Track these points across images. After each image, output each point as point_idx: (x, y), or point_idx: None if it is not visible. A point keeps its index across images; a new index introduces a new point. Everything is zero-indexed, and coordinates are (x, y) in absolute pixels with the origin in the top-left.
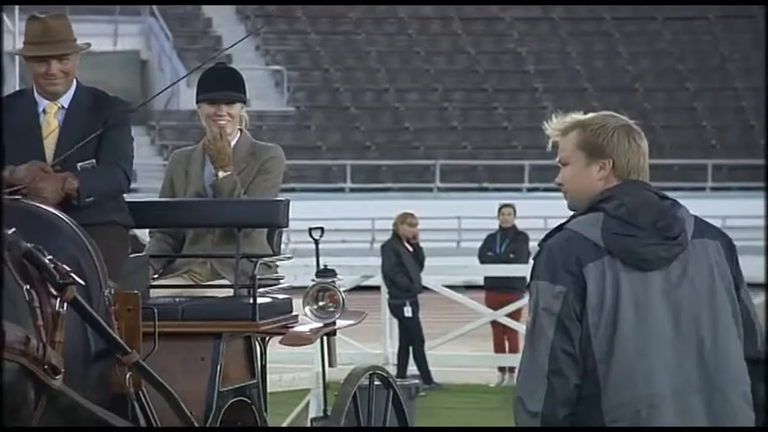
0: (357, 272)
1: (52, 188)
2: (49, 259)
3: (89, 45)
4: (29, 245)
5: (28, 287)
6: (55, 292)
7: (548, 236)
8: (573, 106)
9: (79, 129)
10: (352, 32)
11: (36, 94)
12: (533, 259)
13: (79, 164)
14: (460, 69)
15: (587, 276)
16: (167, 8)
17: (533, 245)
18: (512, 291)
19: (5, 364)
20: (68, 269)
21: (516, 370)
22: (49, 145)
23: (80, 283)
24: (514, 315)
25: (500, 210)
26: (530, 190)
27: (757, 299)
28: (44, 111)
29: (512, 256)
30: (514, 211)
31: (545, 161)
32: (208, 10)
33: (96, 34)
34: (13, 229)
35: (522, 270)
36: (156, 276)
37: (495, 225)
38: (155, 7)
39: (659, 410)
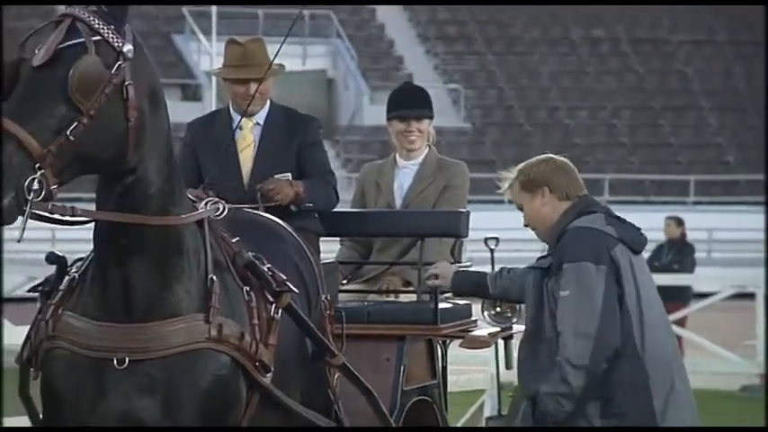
0: None
1: (286, 190)
2: (268, 268)
3: (284, 67)
4: (251, 254)
5: (247, 289)
6: (271, 299)
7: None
8: (736, 125)
9: (274, 143)
10: (527, 53)
11: (232, 112)
12: (564, 246)
13: (276, 176)
14: (629, 88)
15: (617, 260)
16: (353, 30)
17: (699, 255)
18: (677, 300)
19: (220, 357)
20: (284, 278)
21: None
22: (246, 159)
23: (294, 291)
24: (680, 322)
25: (666, 222)
26: (695, 203)
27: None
28: (240, 127)
29: (675, 266)
30: (681, 223)
31: (710, 176)
32: (390, 32)
33: (287, 55)
34: (237, 239)
35: (688, 280)
36: (344, 282)
37: (661, 236)
38: (341, 29)
39: (676, 388)
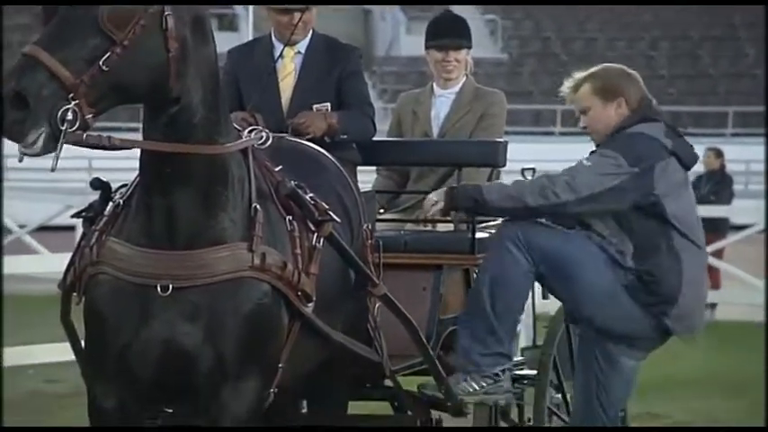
0: None
1: (318, 123)
2: (310, 197)
3: None
4: (293, 183)
5: (290, 218)
6: (313, 228)
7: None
8: None
9: (315, 72)
10: None
11: (274, 40)
12: (613, 140)
13: (315, 105)
14: (667, 19)
15: (656, 175)
16: None
17: (737, 188)
18: (714, 231)
19: (262, 286)
20: (327, 207)
21: (716, 307)
22: (286, 87)
23: (336, 221)
24: (717, 254)
25: (706, 153)
26: (733, 135)
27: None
28: (281, 55)
29: (712, 198)
30: (720, 155)
31: (748, 107)
32: None
33: None
34: (280, 167)
35: (725, 211)
36: (381, 211)
37: (700, 168)
38: None
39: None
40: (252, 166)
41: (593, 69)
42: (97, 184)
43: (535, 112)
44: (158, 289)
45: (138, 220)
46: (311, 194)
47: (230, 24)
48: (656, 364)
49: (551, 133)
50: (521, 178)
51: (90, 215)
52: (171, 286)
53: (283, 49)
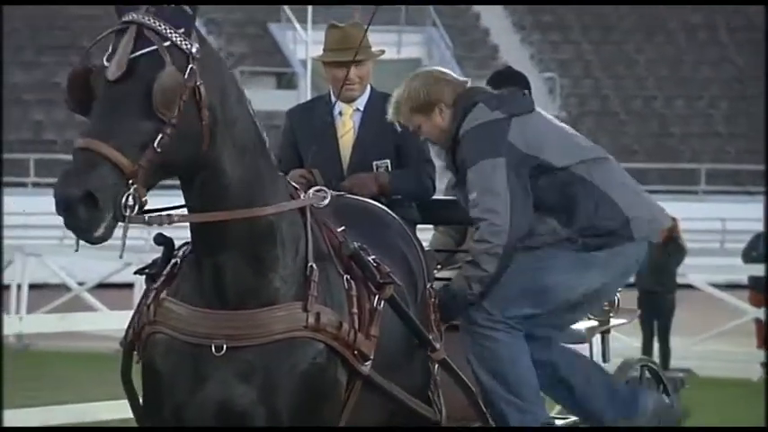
0: None
1: (368, 186)
2: (373, 259)
3: (383, 52)
4: (356, 245)
5: (348, 277)
6: (375, 290)
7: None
8: None
9: (374, 129)
10: (623, 42)
11: (332, 98)
12: (461, 154)
13: (375, 163)
14: (726, 77)
15: (516, 141)
16: (448, 18)
17: None
18: None
19: (317, 345)
20: (388, 269)
21: None
22: (345, 145)
23: (398, 284)
24: None
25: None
26: None
27: None
28: (340, 113)
29: None
30: None
31: None
32: (486, 21)
33: (382, 43)
34: (342, 228)
35: None
36: (438, 268)
37: (758, 227)
38: (436, 17)
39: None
40: (309, 226)
41: (404, 89)
42: (160, 239)
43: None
44: (213, 348)
45: (191, 278)
46: (374, 256)
47: (289, 83)
48: None
49: None
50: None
51: (152, 272)
52: (225, 346)
53: (334, 103)
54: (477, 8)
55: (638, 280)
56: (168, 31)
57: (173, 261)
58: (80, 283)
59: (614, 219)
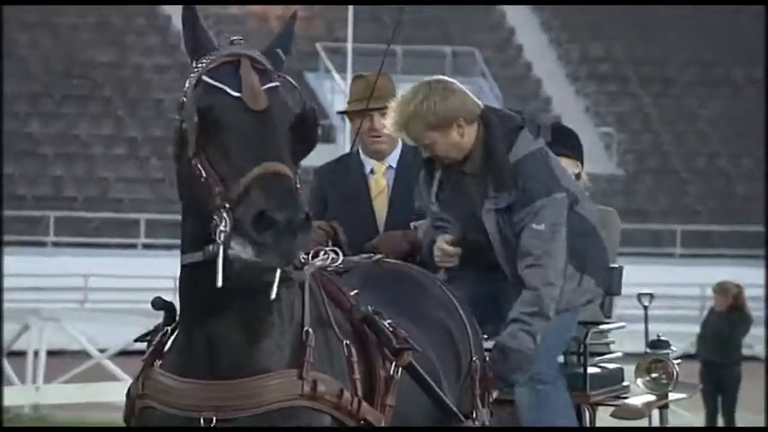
0: (686, 339)
1: (395, 245)
2: (388, 323)
3: None
4: (369, 308)
5: (347, 342)
6: (391, 356)
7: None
8: None
9: (409, 188)
10: (684, 95)
11: (362, 156)
12: (528, 179)
13: (412, 224)
14: None
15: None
16: (498, 68)
17: None
18: None
19: (316, 415)
20: (406, 334)
21: None
22: (379, 205)
23: (416, 349)
24: None
25: None
26: None
27: None
28: (372, 171)
29: None
30: None
31: None
32: (538, 71)
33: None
34: (356, 291)
35: None
36: (485, 337)
37: None
38: (485, 67)
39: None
40: (307, 289)
41: (412, 102)
42: (159, 304)
43: (653, 233)
44: (201, 422)
45: (181, 347)
46: (389, 320)
47: (327, 136)
48: None
49: (671, 255)
50: (637, 304)
51: (152, 339)
52: (215, 418)
53: (358, 157)
54: (528, 57)
55: (700, 350)
56: (272, 68)
57: (161, 330)
58: (101, 350)
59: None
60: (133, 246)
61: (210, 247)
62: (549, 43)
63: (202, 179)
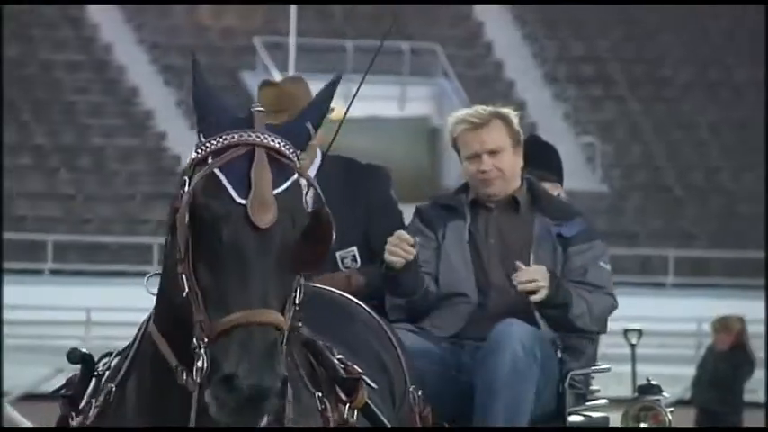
0: (679, 383)
1: (336, 288)
2: (338, 359)
3: (332, 110)
4: (318, 341)
5: (320, 395)
6: (344, 397)
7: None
8: None
9: (331, 209)
10: (679, 99)
11: None
12: (586, 218)
13: (338, 253)
14: None
15: None
16: (463, 69)
17: None
18: None
19: None
20: (360, 371)
21: None
22: None
23: (372, 387)
24: None
25: None
26: None
27: None
28: None
29: None
30: None
31: None
32: (510, 71)
33: (381, 97)
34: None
35: None
36: None
37: None
38: (449, 68)
39: None
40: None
41: (492, 108)
42: (76, 357)
43: (642, 259)
44: None
45: (138, 410)
46: (340, 356)
47: None
48: None
49: (662, 285)
50: (623, 341)
51: (69, 393)
52: None
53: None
54: (499, 54)
55: (696, 396)
56: (293, 153)
57: (104, 387)
58: (2, 394)
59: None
60: (39, 271)
61: (185, 378)
62: (522, 39)
63: (184, 293)
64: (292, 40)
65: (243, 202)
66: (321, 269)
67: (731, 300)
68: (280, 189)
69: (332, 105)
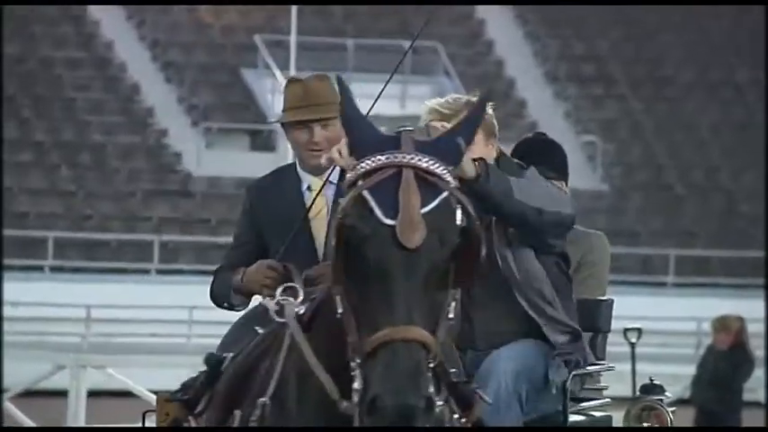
0: (680, 382)
1: None
2: (453, 371)
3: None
4: None
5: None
6: (457, 411)
7: None
8: None
9: None
10: (681, 99)
11: (299, 170)
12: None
13: None
14: None
15: None
16: (464, 68)
17: None
18: None
19: None
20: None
21: None
22: (319, 227)
23: (487, 402)
24: None
25: None
26: None
27: None
28: (309, 188)
29: None
30: None
31: None
32: (511, 70)
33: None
34: None
35: None
36: None
37: None
38: (450, 66)
39: None
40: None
41: (457, 100)
42: (213, 360)
43: (643, 258)
44: None
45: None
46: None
47: (265, 144)
48: None
49: (663, 284)
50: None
51: (186, 398)
52: None
53: (310, 182)
54: (500, 53)
55: (696, 396)
56: (443, 170)
57: (260, 400)
58: (2, 391)
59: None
60: (39, 268)
61: (344, 403)
62: (523, 38)
63: (338, 314)
64: (293, 38)
65: (391, 222)
66: (473, 284)
67: (731, 299)
68: (428, 208)
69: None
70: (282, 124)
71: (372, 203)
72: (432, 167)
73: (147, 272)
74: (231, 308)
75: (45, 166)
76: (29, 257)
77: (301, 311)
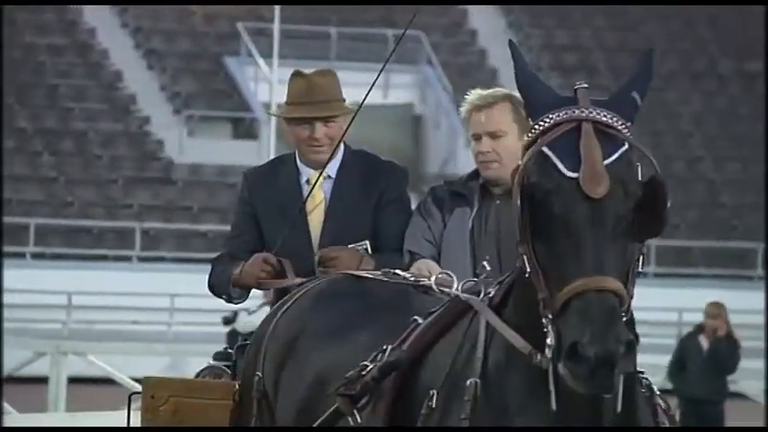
0: (661, 372)
1: (348, 262)
2: None
3: (359, 106)
4: None
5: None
6: None
7: None
8: None
9: (348, 201)
10: (662, 90)
11: (299, 162)
12: None
13: (350, 246)
14: None
15: None
16: (447, 57)
17: None
18: None
19: None
20: None
21: None
22: (315, 221)
23: None
24: None
25: None
26: None
27: None
28: (308, 181)
29: None
30: None
31: None
32: (494, 59)
33: (365, 84)
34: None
35: None
36: None
37: None
38: (432, 56)
39: None
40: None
41: (496, 92)
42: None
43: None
44: None
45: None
46: None
47: (248, 132)
48: None
49: (644, 274)
50: None
51: (351, 393)
52: None
53: (309, 175)
54: (483, 43)
55: (680, 386)
56: (622, 125)
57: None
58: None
59: None
60: (21, 255)
61: (539, 357)
62: (507, 28)
63: (526, 274)
64: (276, 26)
65: (574, 175)
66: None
67: (712, 289)
68: (610, 160)
69: (343, 95)
70: (284, 119)
71: (554, 158)
72: (610, 121)
73: (128, 259)
74: (230, 299)
75: (27, 152)
76: (10, 244)
77: (491, 293)
